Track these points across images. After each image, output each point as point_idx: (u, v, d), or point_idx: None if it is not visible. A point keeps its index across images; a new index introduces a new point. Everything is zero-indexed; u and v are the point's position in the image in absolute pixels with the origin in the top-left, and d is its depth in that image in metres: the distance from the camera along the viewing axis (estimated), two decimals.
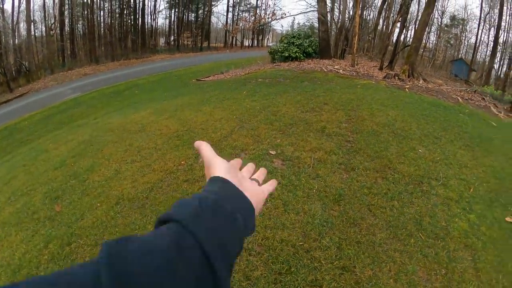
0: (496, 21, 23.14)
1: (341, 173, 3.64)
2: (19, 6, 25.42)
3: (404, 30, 15.36)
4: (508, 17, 25.88)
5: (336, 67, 11.76)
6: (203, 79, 14.48)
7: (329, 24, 18.66)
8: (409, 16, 22.48)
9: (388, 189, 3.36)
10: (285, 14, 14.18)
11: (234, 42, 43.83)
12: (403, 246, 2.65)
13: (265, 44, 43.01)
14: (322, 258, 2.40)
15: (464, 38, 36.64)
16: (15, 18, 25.18)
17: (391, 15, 13.28)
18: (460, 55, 33.79)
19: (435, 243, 2.75)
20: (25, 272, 2.68)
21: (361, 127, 4.92)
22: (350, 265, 2.37)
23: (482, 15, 29.87)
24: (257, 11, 40.84)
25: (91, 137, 6.18)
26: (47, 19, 28.97)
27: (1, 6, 23.79)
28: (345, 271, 2.32)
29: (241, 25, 23.23)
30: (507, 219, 3.30)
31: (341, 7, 18.26)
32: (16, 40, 25.80)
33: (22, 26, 26.86)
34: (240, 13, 43.23)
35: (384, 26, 19.93)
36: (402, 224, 2.88)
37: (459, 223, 3.05)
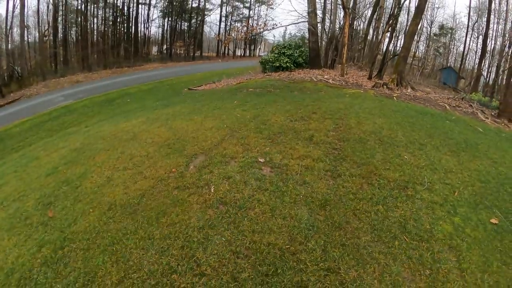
0: (484, 30, 23.84)
1: (328, 180, 3.77)
2: (13, 11, 25.38)
3: (393, 40, 15.72)
4: (495, 25, 26.67)
5: (325, 76, 11.99)
6: (195, 89, 14.62)
7: (320, 35, 19.04)
8: (399, 26, 23.07)
9: (373, 194, 3.49)
10: (276, 25, 14.44)
11: (226, 52, 44.21)
12: (388, 248, 2.76)
13: (257, 54, 43.44)
14: (307, 260, 2.51)
15: (453, 46, 37.59)
16: (8, 23, 25.10)
17: (381, 25, 13.62)
18: (449, 64, 34.62)
19: (420, 245, 2.85)
20: (18, 275, 2.73)
21: (348, 135, 5.06)
22: (335, 266, 2.47)
23: (470, 23, 30.76)
24: (250, 21, 41.36)
25: (82, 145, 6.22)
26: (40, 25, 28.98)
27: None
28: (330, 272, 2.42)
29: (233, 35, 23.47)
30: (492, 220, 3.40)
31: (332, 18, 18.68)
32: (9, 45, 25.69)
33: (16, 31, 26.82)
34: (233, 23, 43.72)
35: (374, 36, 20.35)
36: (386, 227, 3.00)
37: (444, 226, 3.16)
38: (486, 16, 22.66)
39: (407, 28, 12.75)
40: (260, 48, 48.27)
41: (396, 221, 3.10)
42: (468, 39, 31.85)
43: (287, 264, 2.47)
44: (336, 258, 2.56)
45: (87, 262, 2.71)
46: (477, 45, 30.04)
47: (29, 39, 28.11)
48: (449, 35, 36.95)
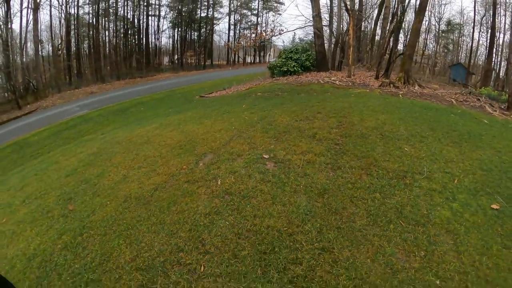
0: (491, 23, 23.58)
1: (328, 172, 3.96)
2: (26, 26, 26.51)
3: (398, 39, 15.77)
4: (503, 17, 26.27)
5: (332, 78, 12.18)
6: (206, 96, 14.98)
7: (328, 37, 19.25)
8: (406, 25, 23.04)
9: (371, 183, 3.66)
10: (283, 30, 14.79)
11: (236, 59, 44.78)
12: (382, 231, 2.91)
13: (267, 60, 43.82)
14: (303, 241, 2.72)
15: (462, 42, 37.04)
16: (23, 38, 26.21)
17: (387, 25, 13.75)
18: (459, 60, 34.08)
19: (415, 229, 2.96)
20: (39, 259, 3.02)
21: (351, 131, 5.24)
22: (329, 246, 2.67)
23: (477, 18, 30.36)
24: (258, 28, 41.87)
25: (99, 150, 6.58)
26: (53, 39, 30.11)
27: (10, 26, 24.81)
28: (324, 251, 2.62)
29: (242, 42, 23.93)
30: (493, 206, 3.40)
31: (338, 20, 18.90)
32: (24, 59, 26.79)
33: (29, 45, 27.95)
34: (242, 30, 44.34)
35: (380, 37, 20.40)
36: (382, 212, 3.16)
37: (441, 211, 3.24)
38: (492, 9, 22.41)
39: (411, 26, 12.81)
40: (270, 54, 48.70)
41: (393, 207, 3.25)
42: (476, 34, 31.42)
43: (284, 244, 2.68)
44: (330, 239, 2.75)
45: (103, 245, 2.98)
46: (486, 40, 29.55)
47: (43, 53, 29.27)
48: (457, 31, 36.52)
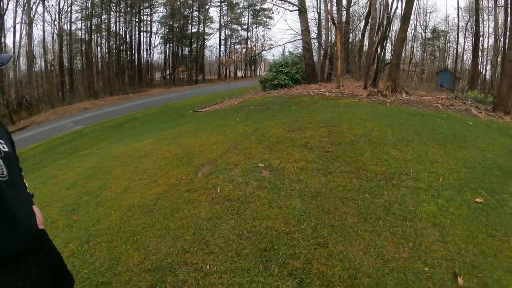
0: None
1: (320, 177, 4.22)
2: (20, 41, 26.77)
3: (385, 49, 16.32)
4: (487, 22, 27.27)
5: (322, 90, 12.58)
6: (199, 110, 15.26)
7: (317, 50, 19.80)
8: (393, 34, 23.74)
9: (361, 185, 3.92)
10: (273, 45, 15.30)
11: (227, 74, 45.42)
12: (372, 227, 3.14)
13: (258, 74, 44.54)
14: (300, 238, 2.95)
15: (448, 48, 38.15)
16: (16, 53, 26.37)
17: (374, 36, 14.30)
18: (447, 66, 35.07)
19: (403, 224, 3.17)
20: None
21: (340, 139, 5.53)
22: (323, 242, 2.90)
23: (462, 24, 31.51)
24: (248, 43, 42.66)
25: (97, 164, 6.75)
26: (46, 54, 30.33)
27: (3, 40, 25.01)
28: (319, 246, 2.85)
29: (233, 57, 24.43)
30: (477, 200, 3.62)
31: (325, 33, 19.53)
32: (17, 74, 26.89)
33: (22, 60, 28.14)
34: (232, 45, 45.11)
35: (368, 47, 21.03)
36: (372, 210, 3.40)
37: (428, 207, 3.46)
38: (475, 15, 23.27)
39: (396, 35, 13.33)
40: (260, 68, 49.51)
41: (381, 205, 3.49)
42: (462, 39, 32.54)
43: (282, 241, 2.91)
44: (325, 235, 2.98)
45: (111, 250, 3.15)
46: (472, 45, 30.56)
47: (36, 68, 29.45)
48: (443, 37, 37.74)
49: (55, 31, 30.82)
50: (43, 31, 30.15)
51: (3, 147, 1.48)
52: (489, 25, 27.28)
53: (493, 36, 24.56)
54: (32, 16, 27.17)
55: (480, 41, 25.37)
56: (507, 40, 10.78)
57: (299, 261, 2.66)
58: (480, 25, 24.29)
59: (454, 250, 2.83)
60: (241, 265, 2.67)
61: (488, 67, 27.68)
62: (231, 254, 2.80)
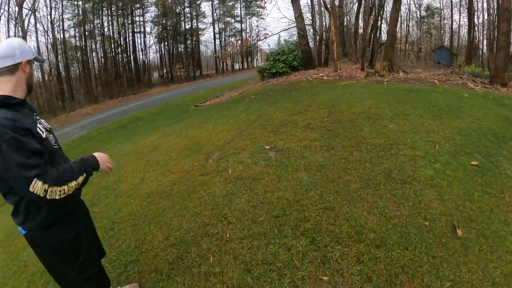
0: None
1: (323, 152, 4.49)
2: None
3: (379, 30, 16.44)
4: None
5: (320, 75, 12.78)
6: (201, 105, 15.46)
7: (313, 36, 19.91)
8: (387, 15, 23.74)
9: (361, 157, 4.18)
10: (268, 34, 15.45)
11: (225, 67, 45.50)
12: (374, 191, 3.41)
13: (255, 65, 44.60)
14: (308, 204, 3.24)
15: (444, 25, 37.99)
16: None
17: (368, 18, 14.44)
18: (444, 43, 34.99)
19: (403, 186, 3.43)
20: None
21: (340, 118, 5.78)
22: (330, 206, 3.18)
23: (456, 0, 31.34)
24: (243, 35, 42.65)
25: None
26: (43, 65, 30.54)
27: None
28: (327, 209, 3.13)
29: (229, 50, 24.58)
30: (473, 162, 3.86)
31: (320, 18, 19.62)
32: None
33: None
34: (227, 38, 45.15)
35: (362, 30, 21.12)
36: (373, 177, 3.66)
37: (425, 171, 3.70)
38: None
39: (389, 16, 13.46)
40: (257, 59, 49.50)
41: (382, 172, 3.76)
42: (457, 16, 32.46)
43: (293, 208, 3.20)
44: (331, 200, 3.27)
45: (135, 233, 3.44)
46: (468, 20, 30.40)
47: (34, 79, 29.67)
48: (437, 15, 37.59)
49: (49, 41, 31.11)
50: (37, 42, 30.46)
51: (47, 124, 1.80)
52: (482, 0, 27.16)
53: (486, 10, 24.51)
54: (26, 28, 27.42)
55: (476, 16, 25.35)
56: (500, 12, 10.87)
57: (309, 223, 2.95)
58: (474, 0, 24.22)
59: (452, 207, 3.08)
60: (257, 230, 2.96)
61: (485, 42, 27.59)
62: (247, 223, 3.10)
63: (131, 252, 3.17)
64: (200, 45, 45.54)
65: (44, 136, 1.66)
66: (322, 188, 3.51)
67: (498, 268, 2.38)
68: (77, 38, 33.94)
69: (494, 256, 2.49)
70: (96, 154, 1.89)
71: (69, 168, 1.63)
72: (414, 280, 2.28)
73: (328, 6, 14.78)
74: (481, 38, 28.52)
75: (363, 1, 18.56)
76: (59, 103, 30.45)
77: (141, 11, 39.25)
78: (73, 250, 1.85)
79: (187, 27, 42.58)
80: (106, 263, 3.05)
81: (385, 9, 20.59)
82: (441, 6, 36.78)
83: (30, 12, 28.29)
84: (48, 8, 30.77)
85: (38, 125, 1.67)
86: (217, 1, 43.73)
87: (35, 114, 1.76)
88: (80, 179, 1.66)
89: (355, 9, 22.82)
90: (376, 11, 14.33)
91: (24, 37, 26.47)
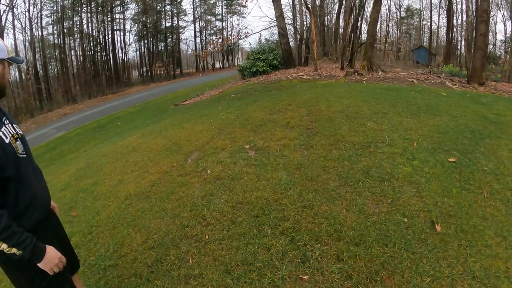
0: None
1: (302, 151, 4.52)
2: None
3: (359, 30, 16.71)
4: None
5: (300, 74, 12.88)
6: (180, 104, 15.31)
7: (293, 35, 20.02)
8: (367, 16, 24.17)
9: (340, 155, 4.23)
10: (249, 33, 15.43)
11: (205, 66, 45.15)
12: (353, 188, 3.45)
13: (236, 64, 44.49)
14: (287, 203, 3.25)
15: (423, 26, 39.10)
16: None
17: (349, 18, 14.66)
18: (423, 43, 36.00)
19: (381, 184, 3.48)
20: None
21: (319, 117, 5.83)
22: (309, 204, 3.20)
23: (435, 1, 32.31)
24: (224, 33, 42.44)
25: (87, 164, 6.85)
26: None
27: None
28: (306, 208, 3.15)
29: (210, 48, 24.38)
30: (450, 159, 3.95)
31: (300, 18, 19.73)
32: None
33: None
34: (208, 36, 44.83)
35: (343, 30, 21.40)
36: (351, 175, 3.71)
37: (403, 168, 3.77)
38: None
39: (369, 16, 13.70)
40: (238, 58, 49.43)
41: (360, 170, 3.81)
42: (436, 17, 33.49)
43: (272, 207, 3.20)
44: (310, 199, 3.29)
45: (114, 236, 3.36)
46: (446, 22, 31.34)
47: (11, 79, 28.63)
48: (417, 15, 38.63)
49: (27, 39, 30.02)
50: (14, 40, 29.28)
51: (19, 130, 1.70)
52: (462, 2, 28.05)
53: (465, 12, 25.29)
54: (3, 24, 26.35)
55: (455, 17, 26.17)
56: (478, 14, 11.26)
57: (288, 222, 2.96)
58: (453, 1, 25.01)
59: (431, 203, 3.16)
60: (237, 231, 2.95)
61: (463, 42, 28.52)
62: (227, 223, 3.08)
63: (110, 256, 3.09)
64: (180, 44, 45.10)
65: (7, 141, 1.54)
66: (301, 187, 3.53)
67: (477, 262, 2.44)
68: (55, 36, 32.92)
69: (474, 251, 2.56)
70: (50, 249, 1.65)
71: (7, 225, 1.44)
72: (394, 276, 2.32)
73: (309, 6, 14.90)
74: (460, 39, 29.56)
75: (344, 1, 18.81)
76: (37, 103, 29.50)
77: (121, 8, 38.44)
78: (40, 269, 1.66)
79: (167, 25, 42.05)
80: (85, 268, 2.99)
81: (366, 9, 20.94)
82: (421, 8, 37.87)
83: (7, 8, 27.17)
84: (27, 5, 29.69)
85: (3, 129, 1.57)
86: None
87: (4, 118, 1.66)
88: (14, 250, 1.46)
89: (336, 9, 23.13)
90: (357, 11, 14.56)
91: (1, 35, 25.42)
